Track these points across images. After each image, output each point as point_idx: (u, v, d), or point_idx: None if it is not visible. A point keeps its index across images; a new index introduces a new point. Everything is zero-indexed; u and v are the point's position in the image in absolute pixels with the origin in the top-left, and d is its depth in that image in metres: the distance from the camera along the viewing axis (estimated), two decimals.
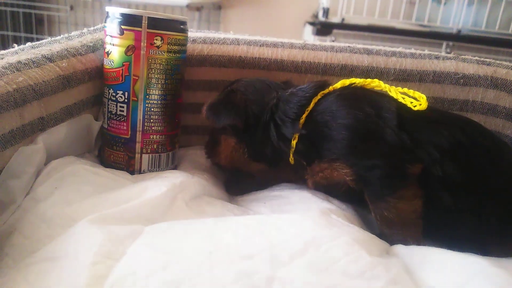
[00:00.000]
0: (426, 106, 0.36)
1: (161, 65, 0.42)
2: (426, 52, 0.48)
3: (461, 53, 1.23)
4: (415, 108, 0.35)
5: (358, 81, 0.40)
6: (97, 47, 0.47)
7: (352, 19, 1.24)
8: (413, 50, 0.49)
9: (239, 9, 1.56)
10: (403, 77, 0.47)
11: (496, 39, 1.17)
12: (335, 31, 1.22)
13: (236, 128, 0.42)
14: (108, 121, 0.44)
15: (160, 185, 0.36)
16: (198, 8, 1.40)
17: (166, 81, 0.43)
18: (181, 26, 0.44)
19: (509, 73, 0.46)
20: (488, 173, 0.35)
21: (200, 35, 0.51)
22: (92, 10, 1.51)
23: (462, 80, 0.47)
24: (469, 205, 0.35)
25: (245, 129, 0.41)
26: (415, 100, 0.36)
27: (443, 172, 0.34)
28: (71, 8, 1.45)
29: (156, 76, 0.43)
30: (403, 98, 0.36)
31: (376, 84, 0.39)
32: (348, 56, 0.47)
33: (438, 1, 1.23)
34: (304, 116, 0.38)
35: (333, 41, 1.22)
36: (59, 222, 0.30)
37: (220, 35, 0.51)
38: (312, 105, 0.38)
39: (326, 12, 1.28)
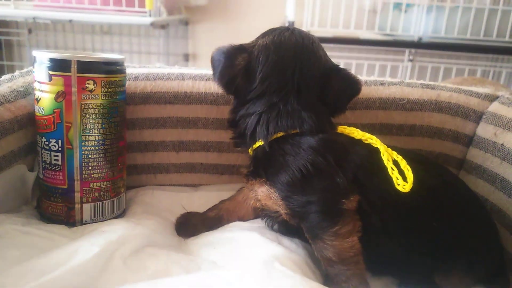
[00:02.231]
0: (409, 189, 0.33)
1: (96, 109, 0.40)
2: (372, 79, 0.48)
3: (423, 59, 1.28)
4: (398, 187, 0.33)
5: (356, 134, 0.37)
6: (29, 92, 0.44)
7: (318, 32, 1.26)
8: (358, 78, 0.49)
9: (207, 24, 1.55)
10: (350, 105, 0.47)
11: (456, 45, 1.21)
12: None
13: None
14: (43, 171, 0.41)
15: (93, 245, 0.33)
16: (164, 26, 1.38)
17: (104, 126, 0.41)
18: (117, 67, 0.42)
19: (452, 96, 0.47)
20: (429, 219, 0.35)
21: (143, 71, 0.49)
22: (54, 33, 1.46)
23: (408, 105, 0.47)
24: (410, 247, 0.35)
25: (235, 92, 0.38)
26: (404, 173, 0.33)
27: (381, 221, 0.34)
28: (30, 31, 1.39)
29: (91, 121, 0.40)
30: (392, 169, 0.34)
31: (373, 142, 0.36)
32: None
33: (399, 9, 1.26)
34: (279, 134, 0.35)
35: None
36: None
37: (165, 70, 0.50)
38: (292, 131, 0.35)
39: (292, 25, 1.29)
